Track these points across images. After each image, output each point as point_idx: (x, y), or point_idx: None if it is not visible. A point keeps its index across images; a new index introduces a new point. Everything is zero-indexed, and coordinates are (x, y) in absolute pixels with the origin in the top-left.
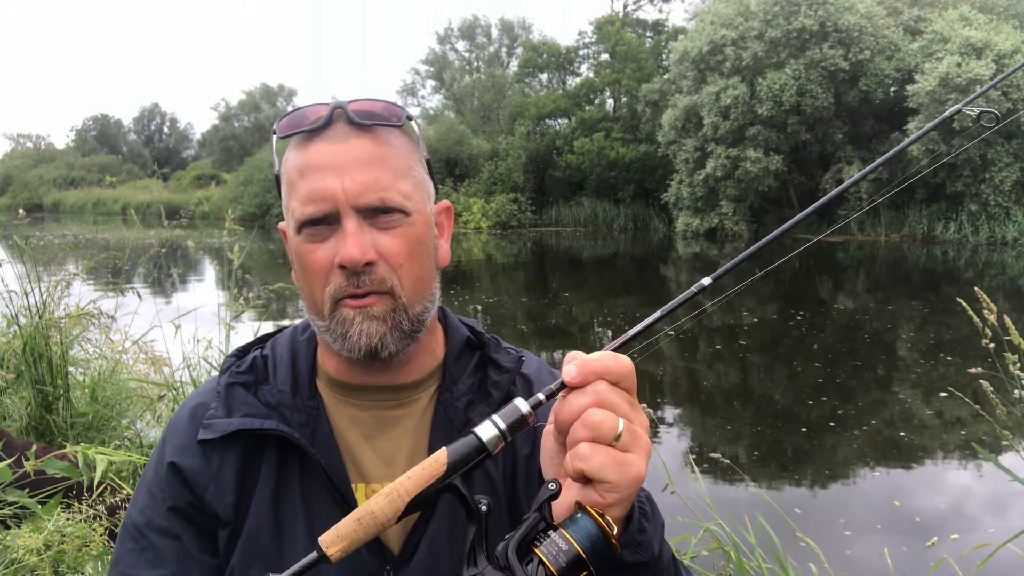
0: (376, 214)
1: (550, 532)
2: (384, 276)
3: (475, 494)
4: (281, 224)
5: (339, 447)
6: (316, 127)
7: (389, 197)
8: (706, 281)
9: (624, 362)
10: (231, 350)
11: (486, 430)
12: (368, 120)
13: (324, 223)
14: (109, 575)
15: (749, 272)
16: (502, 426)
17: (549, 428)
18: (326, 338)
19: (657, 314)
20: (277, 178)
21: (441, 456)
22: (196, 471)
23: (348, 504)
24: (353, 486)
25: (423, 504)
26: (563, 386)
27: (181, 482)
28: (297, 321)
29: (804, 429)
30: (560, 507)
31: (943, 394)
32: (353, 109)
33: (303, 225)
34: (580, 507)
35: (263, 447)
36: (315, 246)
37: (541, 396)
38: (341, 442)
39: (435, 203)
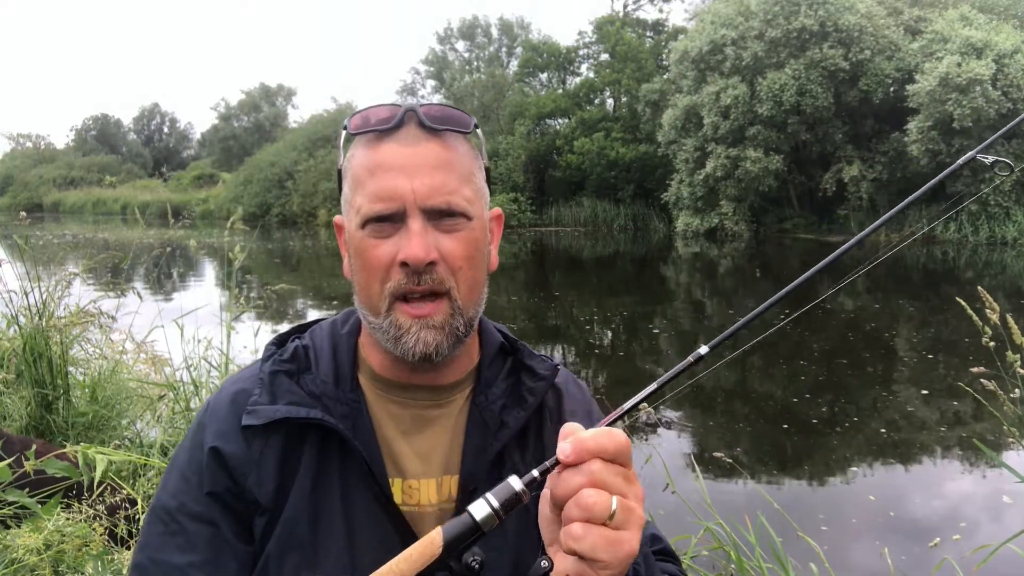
0: (441, 217)
1: None
2: (444, 277)
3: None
4: (337, 218)
5: (378, 441)
6: (388, 127)
7: (454, 201)
8: (703, 350)
9: (619, 438)
10: (232, 349)
11: (480, 509)
12: (439, 124)
13: (389, 221)
14: (135, 559)
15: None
16: (495, 504)
17: (546, 494)
18: (377, 336)
19: (653, 387)
20: (339, 172)
21: (436, 537)
22: (238, 457)
23: (386, 497)
24: (390, 480)
25: None
26: (557, 462)
27: (222, 467)
28: (311, 315)
29: (804, 429)
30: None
31: (944, 394)
32: (424, 112)
33: (368, 221)
34: None
35: (304, 436)
36: (378, 242)
37: (536, 473)
38: (380, 436)
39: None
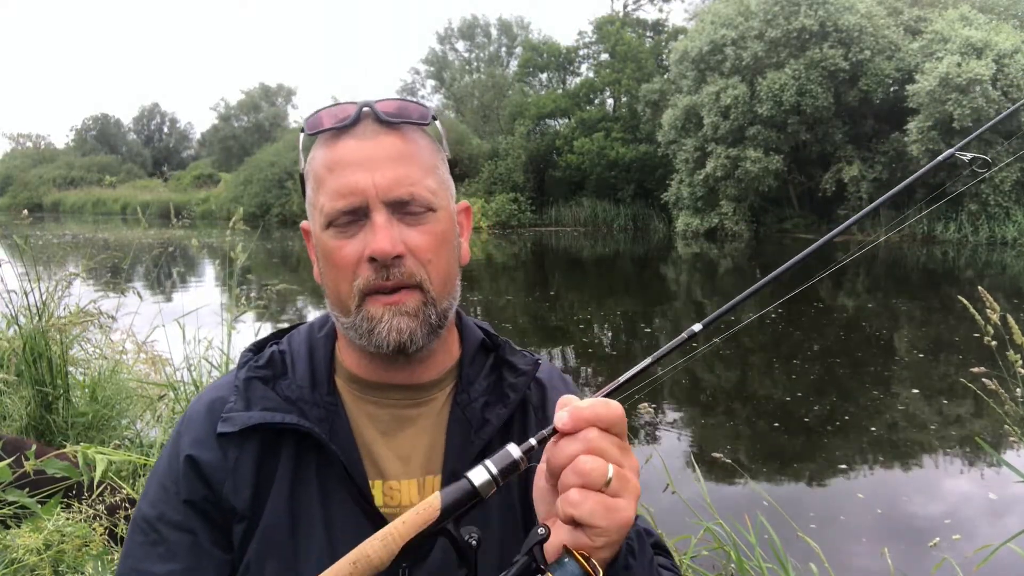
0: (405, 209)
1: (538, 575)
2: (413, 270)
3: (491, 499)
4: (304, 223)
5: (357, 443)
6: (345, 124)
7: (417, 193)
8: (696, 327)
9: (615, 409)
10: (233, 349)
11: (478, 475)
12: (396, 118)
13: (353, 217)
14: (119, 568)
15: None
16: (494, 471)
17: (541, 468)
18: (350, 334)
19: (648, 360)
20: (302, 176)
21: (435, 501)
22: (214, 464)
23: (366, 500)
24: (371, 482)
25: (417, 548)
26: (555, 431)
27: (198, 476)
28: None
29: (804, 429)
30: (551, 547)
31: (942, 394)
32: (381, 108)
33: (332, 220)
34: (567, 551)
35: (280, 442)
36: (343, 241)
37: (533, 441)
38: (359, 438)
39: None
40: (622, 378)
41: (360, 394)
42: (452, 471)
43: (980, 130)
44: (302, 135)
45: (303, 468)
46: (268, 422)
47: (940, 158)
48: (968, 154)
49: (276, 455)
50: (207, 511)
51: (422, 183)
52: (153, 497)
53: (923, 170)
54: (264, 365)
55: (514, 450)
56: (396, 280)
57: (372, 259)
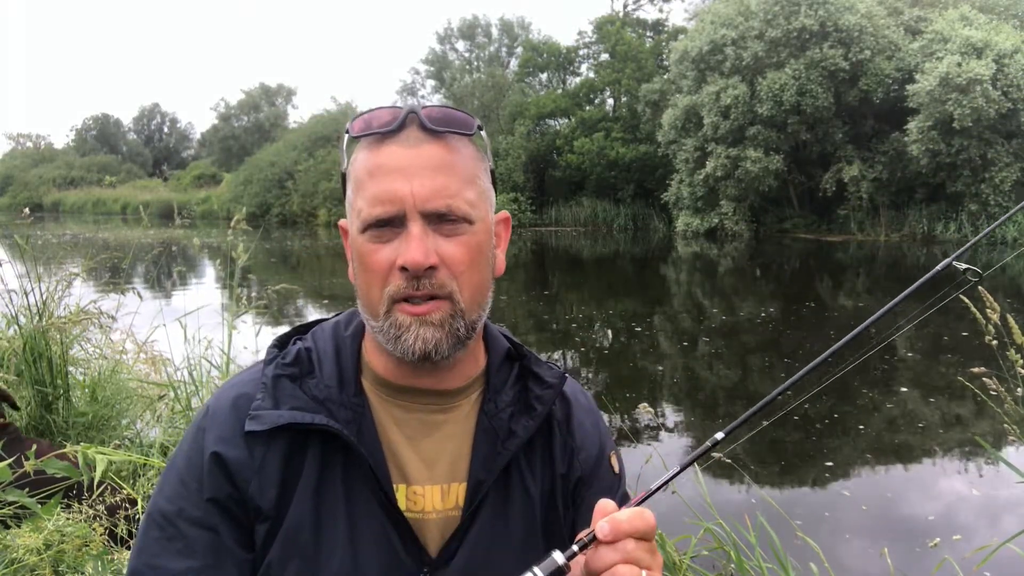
0: (441, 220)
1: None
2: (444, 281)
3: (514, 511)
4: (342, 221)
5: (382, 446)
6: (389, 130)
7: (455, 205)
8: (719, 435)
9: (649, 520)
10: (234, 349)
11: None
12: (440, 127)
13: (389, 225)
14: (132, 564)
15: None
16: None
17: (579, 560)
18: (378, 338)
19: (676, 469)
20: (343, 176)
21: None
22: (240, 463)
23: (391, 504)
24: (394, 486)
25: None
26: (594, 538)
27: (223, 473)
28: (328, 315)
29: (804, 428)
30: None
31: (944, 393)
32: (426, 115)
33: (368, 225)
34: None
35: (307, 442)
36: (378, 246)
37: (575, 548)
38: (384, 441)
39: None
40: (654, 487)
41: (387, 397)
42: (478, 480)
43: (977, 238)
44: (346, 136)
45: (329, 469)
46: (298, 422)
47: (939, 267)
48: (963, 265)
49: (302, 456)
50: (231, 509)
51: (461, 195)
52: (171, 493)
53: (921, 280)
54: (291, 363)
55: (559, 557)
56: (426, 290)
57: (404, 268)
